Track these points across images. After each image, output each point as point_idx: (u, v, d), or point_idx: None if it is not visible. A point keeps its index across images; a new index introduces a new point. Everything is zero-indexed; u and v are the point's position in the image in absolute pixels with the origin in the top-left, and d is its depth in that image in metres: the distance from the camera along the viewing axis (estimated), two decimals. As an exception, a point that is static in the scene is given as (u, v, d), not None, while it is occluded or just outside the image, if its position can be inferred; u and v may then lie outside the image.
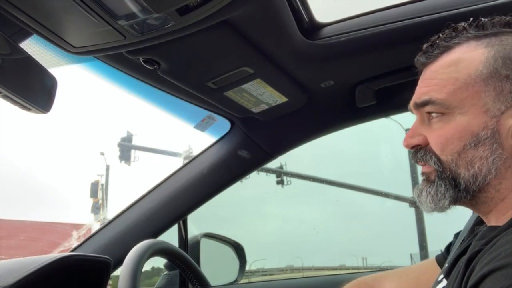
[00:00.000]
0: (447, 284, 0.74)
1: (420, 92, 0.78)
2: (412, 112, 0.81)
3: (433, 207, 0.76)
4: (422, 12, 1.06)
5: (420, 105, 0.77)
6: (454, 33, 0.77)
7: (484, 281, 0.57)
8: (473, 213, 1.09)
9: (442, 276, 0.79)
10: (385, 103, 1.33)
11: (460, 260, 0.75)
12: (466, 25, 0.76)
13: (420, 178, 0.81)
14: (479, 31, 0.75)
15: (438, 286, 0.78)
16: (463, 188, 0.73)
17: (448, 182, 0.73)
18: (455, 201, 0.74)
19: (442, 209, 0.75)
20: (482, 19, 0.75)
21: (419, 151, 0.78)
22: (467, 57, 0.73)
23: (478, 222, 0.84)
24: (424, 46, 0.80)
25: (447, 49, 0.76)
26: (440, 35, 0.78)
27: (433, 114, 0.75)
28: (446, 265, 0.82)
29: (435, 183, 0.75)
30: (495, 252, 0.60)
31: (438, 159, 0.74)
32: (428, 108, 0.75)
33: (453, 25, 0.78)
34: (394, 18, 1.08)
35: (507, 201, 0.71)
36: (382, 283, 1.07)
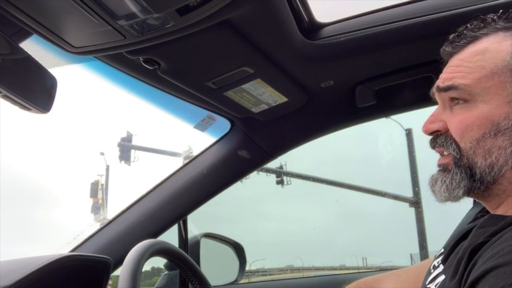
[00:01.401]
0: (445, 269, 0.73)
1: (444, 77, 0.77)
2: (433, 97, 0.81)
3: (447, 197, 0.75)
4: (422, 12, 1.06)
5: (443, 90, 0.76)
6: (482, 24, 0.76)
7: (486, 276, 0.57)
8: (471, 208, 1.08)
9: (439, 262, 0.79)
10: (385, 103, 1.33)
11: (459, 246, 0.74)
12: (495, 16, 0.76)
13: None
14: (508, 23, 0.74)
15: (435, 271, 0.78)
16: (478, 178, 0.72)
17: (464, 171, 0.73)
18: (469, 191, 0.74)
19: (456, 198, 0.75)
20: None
21: (439, 136, 0.78)
22: (495, 47, 0.73)
23: (481, 211, 0.84)
24: (451, 36, 0.79)
25: (474, 39, 0.76)
26: (468, 25, 0.78)
27: (456, 101, 0.75)
28: (442, 250, 0.82)
29: (451, 171, 0.75)
30: (499, 247, 0.60)
31: (458, 146, 0.74)
32: (451, 93, 0.75)
33: (481, 16, 0.77)
34: (394, 18, 1.08)
35: None
36: (381, 283, 1.07)
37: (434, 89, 0.80)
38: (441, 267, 0.76)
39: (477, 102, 0.72)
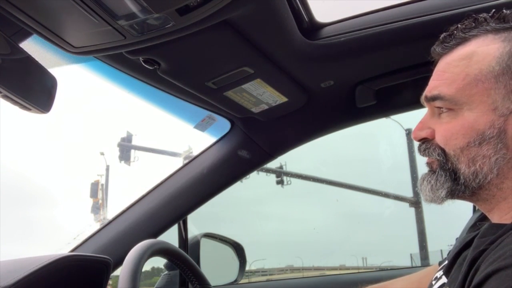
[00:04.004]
0: (449, 281, 0.73)
1: (431, 86, 0.77)
2: (423, 104, 0.81)
3: (431, 197, 0.76)
4: (422, 12, 1.06)
5: (430, 99, 0.76)
6: (474, 24, 0.75)
7: (489, 280, 0.57)
8: (472, 215, 1.09)
9: (441, 273, 0.79)
10: (385, 103, 1.33)
11: (461, 256, 0.74)
12: (487, 16, 0.74)
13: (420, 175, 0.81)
14: (499, 24, 0.73)
15: (437, 282, 0.78)
16: (462, 183, 0.72)
17: (449, 174, 0.74)
18: (452, 193, 0.74)
19: (439, 199, 0.75)
20: (505, 10, 0.74)
21: (424, 143, 0.78)
22: (481, 51, 0.72)
23: (481, 218, 0.84)
24: (442, 35, 0.78)
25: (463, 40, 0.75)
26: (459, 25, 0.76)
27: (443, 109, 0.75)
28: (446, 262, 0.82)
29: (436, 173, 0.75)
30: (500, 251, 0.60)
31: (443, 151, 0.74)
32: (437, 103, 0.75)
33: (474, 15, 0.76)
34: (394, 18, 1.08)
35: (509, 200, 0.71)
36: (388, 287, 1.08)
37: (422, 98, 0.80)
38: (444, 279, 0.76)
39: (463, 110, 0.72)
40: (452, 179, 0.73)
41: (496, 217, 0.74)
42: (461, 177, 0.72)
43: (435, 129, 0.77)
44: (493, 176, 0.70)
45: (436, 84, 0.76)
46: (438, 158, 0.75)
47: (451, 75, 0.74)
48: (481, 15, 0.75)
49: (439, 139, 0.75)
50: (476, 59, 0.72)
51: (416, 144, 0.81)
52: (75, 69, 1.13)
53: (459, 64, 0.73)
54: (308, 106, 1.34)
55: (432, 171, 0.77)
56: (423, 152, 0.78)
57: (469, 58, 0.73)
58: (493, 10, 0.75)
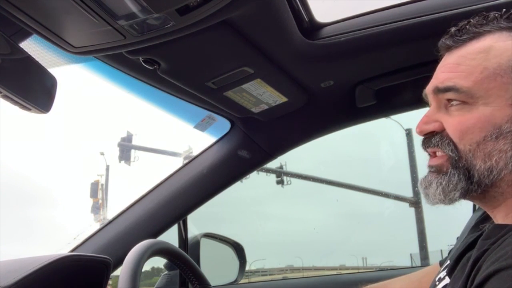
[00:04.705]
0: (451, 282, 0.73)
1: (443, 77, 0.75)
2: (426, 98, 0.79)
3: (441, 199, 0.73)
4: (422, 12, 1.06)
5: (442, 91, 0.74)
6: (484, 21, 0.74)
7: (490, 280, 0.57)
8: (472, 215, 1.09)
9: (445, 273, 0.78)
10: (385, 103, 1.33)
11: (465, 256, 0.73)
12: (497, 15, 0.74)
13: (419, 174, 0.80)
14: (511, 23, 0.73)
15: (441, 283, 0.77)
16: (476, 181, 0.71)
17: (462, 173, 0.72)
18: (465, 193, 0.72)
19: (451, 201, 0.73)
20: None
21: (434, 136, 0.75)
22: (500, 46, 0.71)
23: (481, 220, 0.83)
24: (452, 29, 0.77)
25: (477, 35, 0.74)
26: (471, 20, 0.76)
27: (453, 102, 0.73)
28: (448, 261, 0.81)
29: (448, 173, 0.73)
30: (502, 251, 0.60)
31: (455, 146, 0.72)
32: (449, 95, 0.73)
33: (484, 13, 0.75)
34: (394, 18, 1.08)
35: None
36: (387, 286, 1.08)
37: (430, 90, 0.77)
38: (447, 279, 0.75)
39: (478, 104, 0.70)
40: (465, 178, 0.71)
41: (499, 216, 0.73)
42: (475, 174, 0.70)
43: (443, 122, 0.74)
44: (506, 172, 0.69)
45: (450, 76, 0.74)
46: (451, 154, 0.72)
47: (467, 67, 0.72)
48: (490, 13, 0.75)
49: (452, 133, 0.72)
50: (494, 53, 0.71)
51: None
52: (75, 69, 1.13)
53: (476, 57, 0.72)
54: (308, 106, 1.34)
55: (441, 172, 0.74)
56: (434, 144, 0.75)
57: (487, 52, 0.72)
58: (504, 9, 0.75)
